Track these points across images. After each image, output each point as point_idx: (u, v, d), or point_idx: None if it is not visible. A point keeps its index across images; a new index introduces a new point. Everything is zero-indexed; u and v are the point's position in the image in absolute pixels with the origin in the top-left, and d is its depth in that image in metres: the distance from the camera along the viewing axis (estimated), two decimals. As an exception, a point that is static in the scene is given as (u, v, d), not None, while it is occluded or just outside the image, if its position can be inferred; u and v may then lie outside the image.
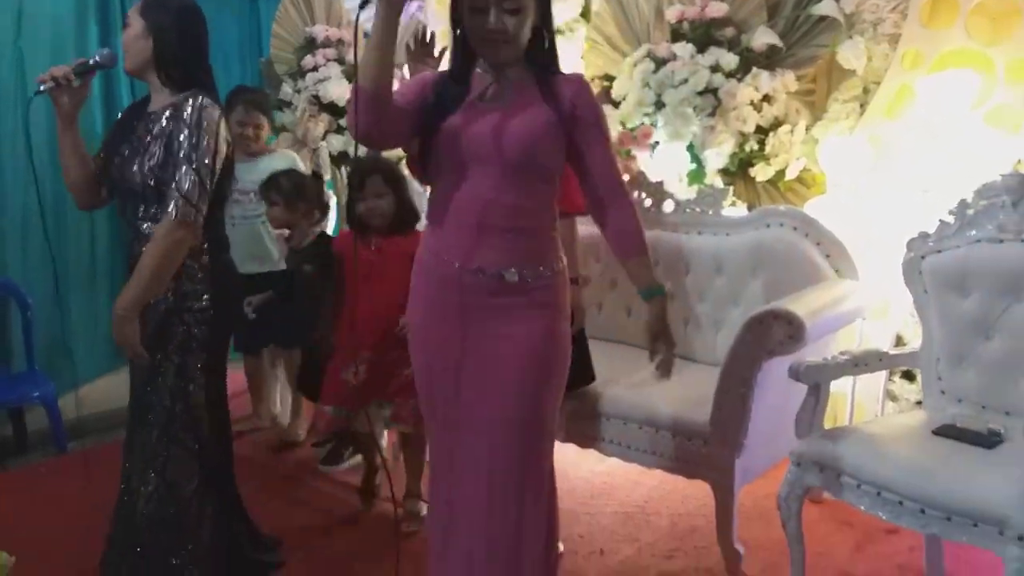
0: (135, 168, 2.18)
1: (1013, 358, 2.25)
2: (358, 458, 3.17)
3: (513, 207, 1.83)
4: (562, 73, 1.92)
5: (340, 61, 4.07)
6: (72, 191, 2.34)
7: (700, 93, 3.22)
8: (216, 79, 2.33)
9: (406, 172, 2.58)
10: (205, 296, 2.26)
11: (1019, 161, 2.70)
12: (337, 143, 4.06)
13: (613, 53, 3.59)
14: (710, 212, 3.11)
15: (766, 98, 3.20)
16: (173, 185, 2.11)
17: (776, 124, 3.20)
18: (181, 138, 2.13)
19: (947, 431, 2.18)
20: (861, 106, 3.09)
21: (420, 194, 3.03)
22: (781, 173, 3.20)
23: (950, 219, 2.39)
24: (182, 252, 2.16)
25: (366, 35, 1.83)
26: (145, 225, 2.20)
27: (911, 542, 2.52)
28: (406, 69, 2.48)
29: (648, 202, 3.25)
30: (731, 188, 3.19)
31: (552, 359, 1.90)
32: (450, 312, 1.88)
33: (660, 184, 3.24)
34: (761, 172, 3.21)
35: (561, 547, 2.61)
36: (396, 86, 1.81)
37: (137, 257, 2.24)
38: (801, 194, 3.21)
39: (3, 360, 3.67)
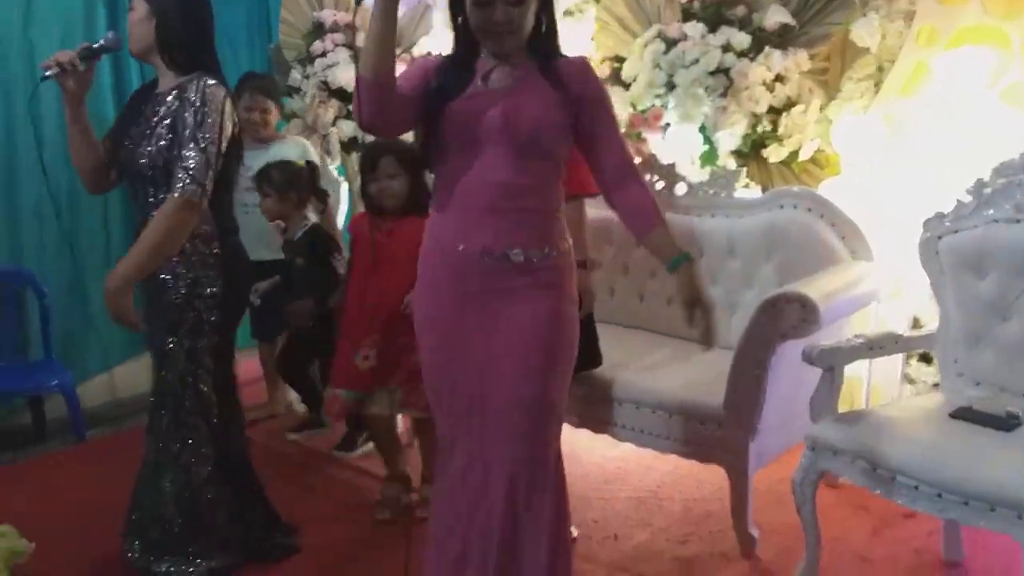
0: (143, 151, 2.20)
1: (1031, 340, 2.22)
2: (371, 445, 3.17)
3: (518, 188, 1.83)
4: (564, 56, 1.91)
5: (349, 46, 4.05)
6: (82, 175, 2.36)
7: (712, 73, 3.18)
8: (225, 66, 2.34)
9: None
10: (217, 282, 2.27)
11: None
12: (347, 129, 4.04)
13: (623, 34, 3.55)
14: (723, 194, 3.08)
15: (779, 78, 3.15)
16: (178, 164, 2.12)
17: (789, 104, 3.15)
18: (186, 118, 2.14)
19: (964, 414, 2.16)
20: (876, 85, 3.04)
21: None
22: (795, 154, 3.16)
23: (967, 198, 2.36)
24: (184, 233, 2.17)
25: None
26: (156, 210, 2.21)
27: (929, 527, 2.50)
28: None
29: (660, 185, 3.22)
30: (744, 170, 3.16)
31: (558, 343, 1.89)
32: (455, 296, 1.89)
33: (672, 166, 3.21)
34: (774, 153, 3.17)
35: (575, 532, 2.62)
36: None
37: None
38: (815, 175, 3.17)
39: (21, 349, 3.69)
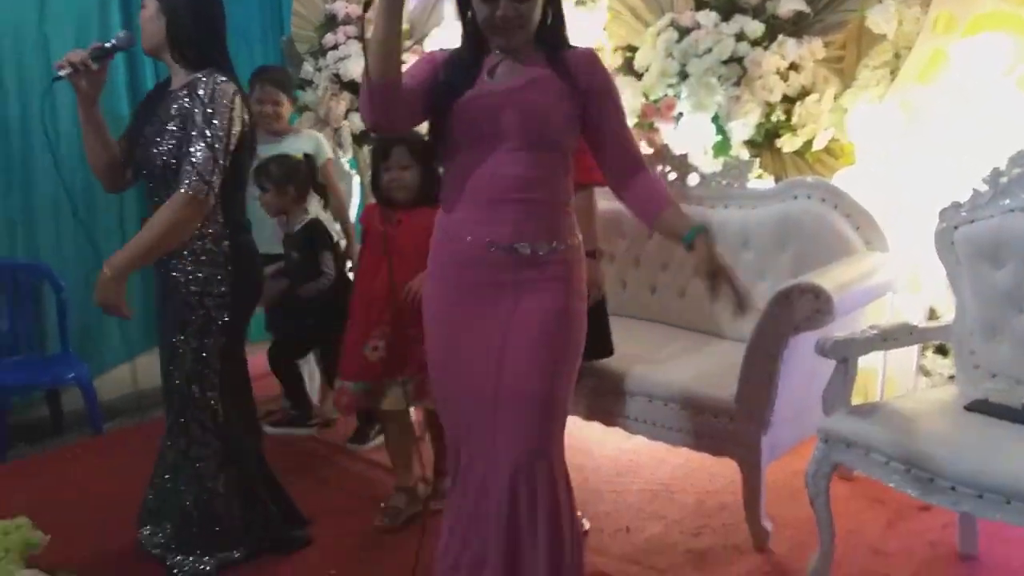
0: (156, 150, 2.20)
1: (1049, 331, 2.19)
2: (383, 438, 3.18)
3: (526, 181, 1.82)
4: (571, 48, 1.90)
5: (360, 38, 4.04)
6: (97, 174, 2.37)
7: (725, 62, 3.15)
8: (238, 59, 2.34)
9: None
10: (227, 281, 2.27)
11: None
12: (359, 122, 4.03)
13: (636, 23, 3.52)
14: (736, 185, 3.06)
15: (793, 66, 3.11)
16: (186, 160, 2.12)
17: (803, 93, 3.12)
18: (195, 115, 2.14)
19: (979, 406, 2.13)
20: (892, 72, 2.99)
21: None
22: (809, 143, 3.12)
23: (983, 187, 2.32)
24: (187, 229, 2.17)
25: None
26: None
27: (944, 519, 2.48)
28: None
29: (672, 175, 3.20)
30: (757, 160, 3.13)
31: (565, 339, 1.88)
32: (463, 289, 1.89)
33: (684, 157, 3.19)
34: (788, 143, 3.14)
35: (587, 524, 2.62)
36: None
37: None
38: (829, 165, 3.13)
39: (38, 343, 3.72)
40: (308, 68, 4.16)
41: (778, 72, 3.10)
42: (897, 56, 3.00)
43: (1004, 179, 2.28)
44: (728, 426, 2.48)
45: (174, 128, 2.18)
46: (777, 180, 3.14)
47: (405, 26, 3.94)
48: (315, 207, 3.42)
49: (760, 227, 2.97)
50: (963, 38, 2.80)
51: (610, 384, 2.72)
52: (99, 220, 3.84)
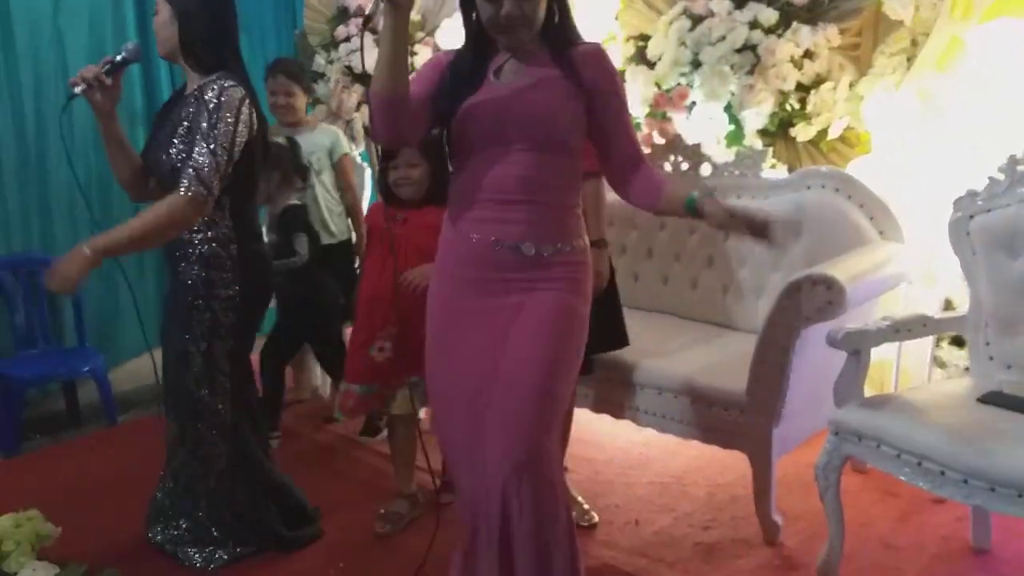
0: (164, 156, 2.22)
1: (1065, 322, 2.15)
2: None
3: (533, 182, 1.81)
4: (577, 44, 1.87)
5: (373, 31, 4.03)
6: (123, 185, 2.37)
7: (738, 51, 3.11)
8: (252, 53, 2.34)
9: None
10: (234, 285, 2.28)
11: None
12: (370, 114, 4.04)
13: (648, 11, 3.48)
14: (749, 175, 3.03)
15: (807, 54, 3.06)
16: (187, 163, 2.12)
17: (818, 81, 3.07)
18: (201, 118, 2.14)
19: (993, 398, 2.10)
20: (908, 60, 2.94)
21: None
22: (823, 133, 3.07)
23: (1000, 176, 2.28)
24: (177, 230, 2.17)
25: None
26: None
27: (957, 513, 2.45)
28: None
29: (685, 165, 3.17)
30: (771, 149, 3.09)
31: (568, 334, 1.85)
32: (467, 284, 1.87)
33: (697, 147, 3.15)
34: (802, 132, 3.09)
35: (596, 517, 2.61)
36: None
37: (173, 240, 2.28)
38: (844, 154, 3.08)
39: (55, 336, 3.77)
40: (320, 61, 4.15)
41: (792, 60, 3.06)
42: (914, 43, 2.94)
43: (1021, 167, 2.24)
44: (738, 419, 2.45)
45: (183, 133, 2.18)
46: (791, 170, 3.10)
47: (417, 17, 3.94)
48: (323, 196, 3.43)
49: (773, 218, 2.93)
50: (980, 24, 2.74)
51: (620, 376, 2.71)
52: (113, 213, 3.86)
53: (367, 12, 1.71)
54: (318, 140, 3.45)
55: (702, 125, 3.22)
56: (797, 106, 3.10)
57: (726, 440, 2.51)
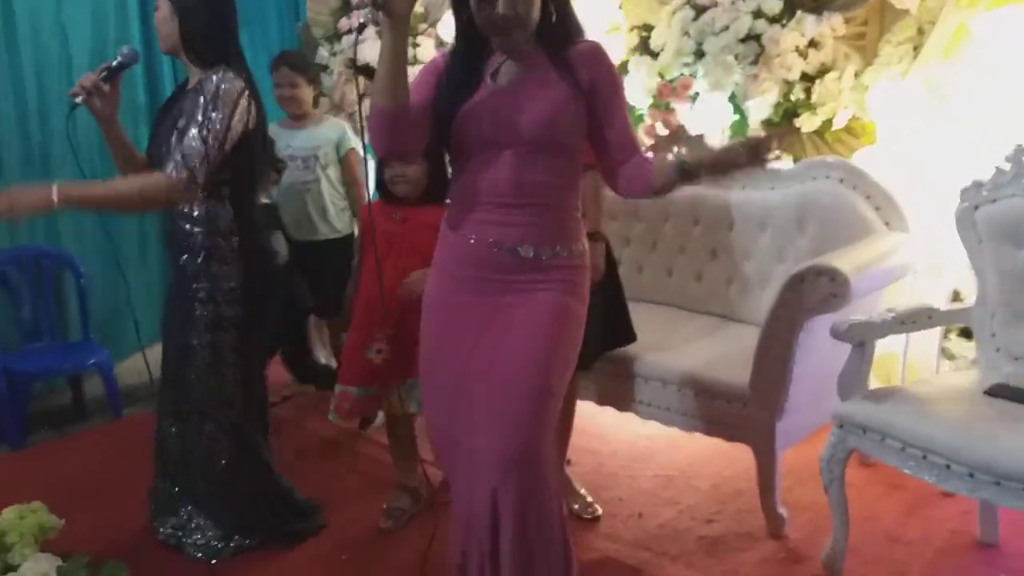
0: (164, 148, 2.22)
1: (1073, 313, 2.13)
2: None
3: (532, 185, 1.80)
4: (575, 43, 1.84)
5: (376, 22, 4.02)
6: None
7: (742, 40, 3.09)
8: (255, 45, 2.34)
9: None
10: (237, 278, 2.27)
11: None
12: (374, 106, 4.02)
13: (651, 1, 3.46)
14: (753, 165, 3.00)
15: (812, 43, 3.04)
16: (176, 148, 2.12)
17: (823, 71, 3.05)
18: (197, 108, 2.14)
19: (1000, 391, 2.08)
20: (914, 48, 2.91)
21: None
22: (828, 123, 3.05)
23: (1006, 166, 2.25)
24: (152, 208, 2.24)
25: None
26: (179, 205, 2.24)
27: (965, 506, 2.43)
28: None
29: (689, 157, 3.14)
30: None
31: (564, 333, 1.83)
32: (464, 281, 1.86)
33: (701, 137, 3.12)
34: (807, 122, 3.07)
35: (600, 510, 2.60)
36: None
37: (174, 232, 2.28)
38: (849, 144, 3.05)
39: (60, 330, 3.77)
40: (323, 53, 4.14)
41: (797, 49, 3.03)
42: (920, 31, 2.91)
43: (1028, 157, 2.21)
44: (742, 412, 2.44)
45: (182, 126, 2.19)
46: (796, 160, 3.07)
47: (420, 9, 3.92)
48: (327, 190, 3.42)
49: (779, 209, 2.92)
50: (987, 12, 2.71)
51: (624, 369, 2.70)
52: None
53: (360, 20, 1.69)
54: (325, 134, 3.44)
55: (706, 115, 3.21)
56: (802, 96, 3.08)
57: (730, 433, 2.50)
